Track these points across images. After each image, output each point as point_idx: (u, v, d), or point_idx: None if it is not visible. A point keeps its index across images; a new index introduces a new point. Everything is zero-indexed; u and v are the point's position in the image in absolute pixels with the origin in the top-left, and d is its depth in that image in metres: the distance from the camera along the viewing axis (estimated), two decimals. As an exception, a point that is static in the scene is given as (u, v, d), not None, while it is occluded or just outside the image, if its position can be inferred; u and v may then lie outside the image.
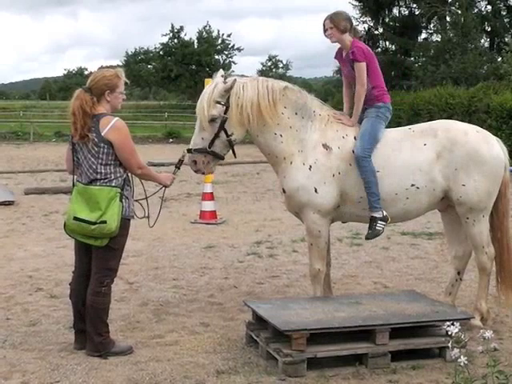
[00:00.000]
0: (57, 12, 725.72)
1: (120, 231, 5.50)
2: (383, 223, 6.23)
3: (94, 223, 5.41)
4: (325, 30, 6.50)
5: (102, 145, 5.47)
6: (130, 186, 5.70)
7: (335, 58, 6.79)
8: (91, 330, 5.61)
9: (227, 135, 6.20)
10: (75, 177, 5.65)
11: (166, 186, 6.02)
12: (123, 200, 5.54)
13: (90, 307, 5.60)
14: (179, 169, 6.33)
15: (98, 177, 5.50)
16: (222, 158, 6.38)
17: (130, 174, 5.71)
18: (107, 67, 6.06)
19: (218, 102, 6.14)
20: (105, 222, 5.41)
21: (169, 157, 25.79)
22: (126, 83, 5.74)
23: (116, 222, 5.44)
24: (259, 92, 6.22)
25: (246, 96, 6.17)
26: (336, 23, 6.42)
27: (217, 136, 6.19)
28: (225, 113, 6.15)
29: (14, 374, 5.26)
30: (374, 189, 6.13)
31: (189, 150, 6.27)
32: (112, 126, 5.49)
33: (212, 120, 6.14)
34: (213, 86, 6.21)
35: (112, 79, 5.63)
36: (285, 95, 6.30)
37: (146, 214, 5.97)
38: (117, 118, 5.57)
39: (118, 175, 5.55)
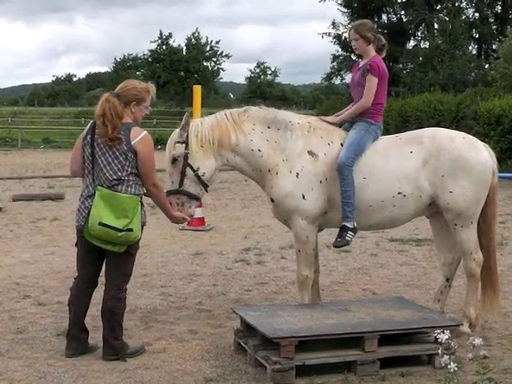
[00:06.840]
0: (53, 18, 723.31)
1: None
2: (353, 234, 6.31)
3: (121, 230, 5.43)
4: (350, 41, 6.59)
5: (130, 154, 5.52)
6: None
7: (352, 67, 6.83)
8: (109, 335, 5.65)
9: (193, 170, 6.23)
10: (93, 180, 5.57)
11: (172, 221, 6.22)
12: (142, 207, 5.64)
13: (109, 312, 5.64)
14: None
15: (120, 183, 5.53)
16: (197, 199, 6.38)
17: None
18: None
19: (177, 142, 6.27)
20: (131, 229, 5.46)
21: (157, 164, 25.83)
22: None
23: (140, 230, 5.56)
24: (217, 119, 6.37)
25: (204, 126, 6.29)
26: (362, 34, 6.48)
27: (183, 174, 6.23)
28: (186, 149, 6.22)
29: (0, 382, 5.21)
30: (351, 199, 6.17)
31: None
32: (142, 138, 5.56)
33: (175, 160, 6.24)
34: (172, 134, 6.39)
35: (142, 92, 5.72)
36: (249, 116, 6.38)
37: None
38: (146, 132, 5.65)
39: (139, 183, 5.63)
